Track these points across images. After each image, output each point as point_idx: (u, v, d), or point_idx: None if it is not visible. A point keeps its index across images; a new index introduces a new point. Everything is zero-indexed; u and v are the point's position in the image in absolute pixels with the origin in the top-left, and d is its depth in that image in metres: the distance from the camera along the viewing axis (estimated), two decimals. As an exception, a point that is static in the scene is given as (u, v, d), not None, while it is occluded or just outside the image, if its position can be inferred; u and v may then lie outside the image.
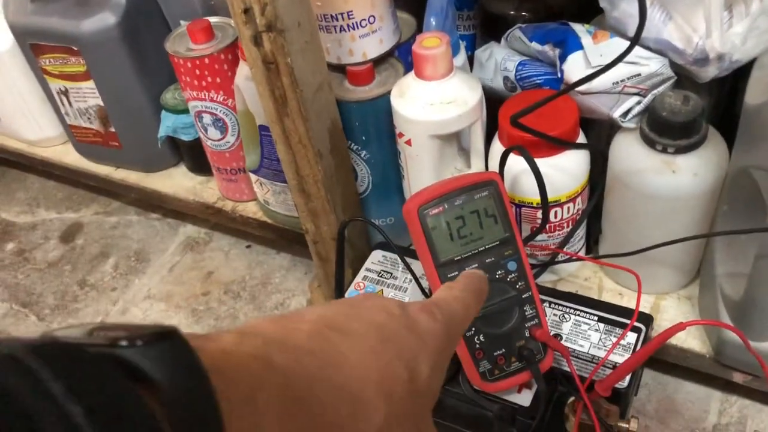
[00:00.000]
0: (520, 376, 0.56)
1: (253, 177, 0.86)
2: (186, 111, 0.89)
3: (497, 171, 0.66)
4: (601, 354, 0.60)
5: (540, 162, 0.62)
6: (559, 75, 0.66)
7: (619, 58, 0.54)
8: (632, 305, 0.61)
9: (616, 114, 0.63)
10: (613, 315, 0.63)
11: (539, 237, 0.69)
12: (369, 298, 0.31)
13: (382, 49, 0.70)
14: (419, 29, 0.73)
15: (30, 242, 1.12)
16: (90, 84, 0.93)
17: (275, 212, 0.89)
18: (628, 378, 0.57)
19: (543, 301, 0.63)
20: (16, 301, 1.02)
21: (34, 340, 0.17)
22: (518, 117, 0.61)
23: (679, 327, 0.48)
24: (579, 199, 0.68)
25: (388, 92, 0.68)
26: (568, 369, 0.57)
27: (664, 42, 0.61)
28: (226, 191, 0.95)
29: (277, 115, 0.63)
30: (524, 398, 0.57)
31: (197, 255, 1.04)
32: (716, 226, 0.65)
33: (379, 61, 0.71)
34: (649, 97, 0.63)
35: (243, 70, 0.74)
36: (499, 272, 0.56)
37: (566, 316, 0.64)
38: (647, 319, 0.62)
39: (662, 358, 0.72)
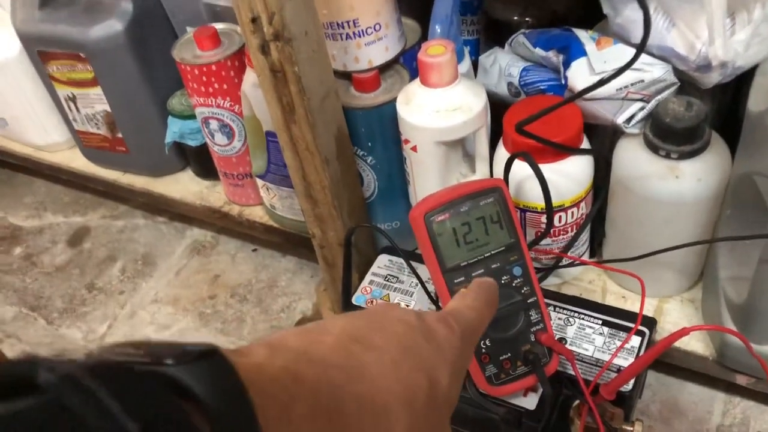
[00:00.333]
0: (526, 380, 0.57)
1: (259, 182, 0.87)
2: (193, 116, 0.89)
3: (502, 176, 0.66)
4: (606, 357, 0.61)
5: (544, 167, 0.63)
6: (563, 81, 0.66)
7: (626, 66, 0.55)
8: (636, 308, 0.62)
9: (620, 120, 0.64)
10: (617, 319, 0.64)
11: (544, 241, 0.70)
12: (388, 308, 0.31)
13: (387, 56, 0.70)
14: (424, 36, 0.74)
15: (37, 246, 1.13)
16: (97, 90, 0.94)
17: (282, 217, 0.89)
18: (632, 381, 0.57)
19: (548, 305, 0.63)
20: (24, 305, 1.03)
21: (89, 360, 0.18)
22: (523, 125, 0.61)
23: (683, 332, 0.49)
24: (583, 204, 0.69)
25: (394, 99, 0.68)
26: (573, 373, 0.57)
27: (667, 49, 0.62)
28: (232, 196, 0.96)
29: (285, 122, 0.64)
30: (530, 402, 0.58)
31: (204, 258, 1.05)
32: (719, 231, 0.66)
33: (384, 68, 0.72)
34: (653, 103, 0.64)
35: (250, 77, 0.75)
36: (505, 277, 0.56)
37: (571, 319, 0.64)
38: (651, 323, 0.63)
39: (666, 361, 0.73)
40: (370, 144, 0.73)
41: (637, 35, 0.61)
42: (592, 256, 0.78)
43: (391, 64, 0.73)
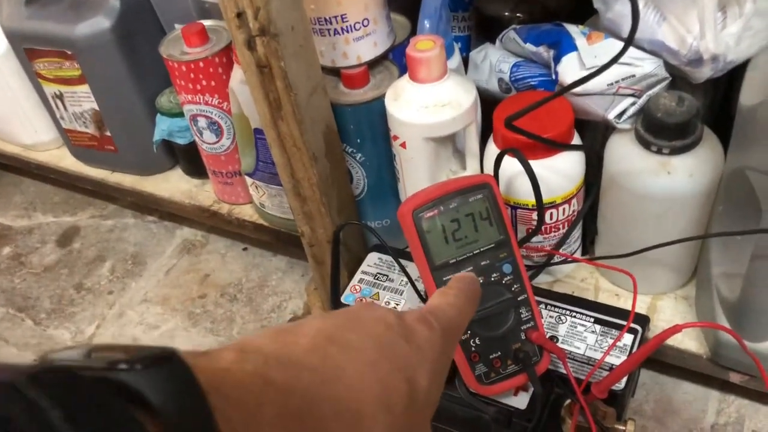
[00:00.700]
0: (517, 379, 0.56)
1: (248, 180, 0.86)
2: (181, 114, 0.88)
3: (492, 173, 0.66)
4: (598, 356, 0.60)
5: (535, 164, 0.62)
6: (553, 76, 0.66)
7: (613, 61, 0.54)
8: (629, 306, 0.61)
9: (611, 115, 0.63)
10: (610, 316, 0.63)
11: (535, 238, 0.69)
12: (366, 308, 0.30)
13: (376, 51, 0.70)
14: (414, 32, 0.73)
15: (26, 246, 1.11)
16: (85, 88, 0.93)
17: (271, 215, 0.88)
18: (624, 380, 0.56)
19: (539, 302, 0.63)
20: (12, 306, 1.02)
21: (33, 366, 0.17)
22: (512, 120, 0.60)
23: (675, 329, 0.48)
24: (574, 201, 0.68)
25: (383, 95, 0.67)
26: (564, 371, 0.57)
27: (658, 43, 0.61)
28: (222, 194, 0.95)
29: (272, 118, 0.63)
30: (521, 401, 0.57)
31: (194, 258, 1.04)
32: (712, 227, 0.65)
33: (373, 64, 0.71)
34: (644, 98, 0.63)
35: (237, 74, 0.74)
36: (495, 275, 0.55)
37: (562, 317, 0.64)
38: (644, 321, 0.62)
39: (659, 359, 0.72)
40: (359, 141, 0.72)
41: (628, 30, 0.60)
42: (584, 253, 0.77)
43: (380, 60, 0.72)
